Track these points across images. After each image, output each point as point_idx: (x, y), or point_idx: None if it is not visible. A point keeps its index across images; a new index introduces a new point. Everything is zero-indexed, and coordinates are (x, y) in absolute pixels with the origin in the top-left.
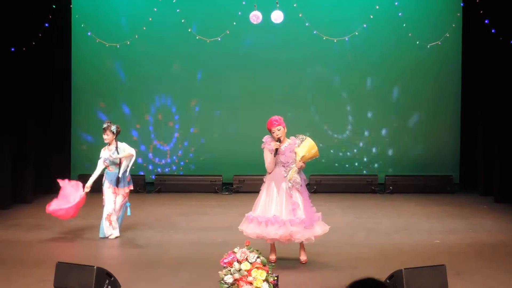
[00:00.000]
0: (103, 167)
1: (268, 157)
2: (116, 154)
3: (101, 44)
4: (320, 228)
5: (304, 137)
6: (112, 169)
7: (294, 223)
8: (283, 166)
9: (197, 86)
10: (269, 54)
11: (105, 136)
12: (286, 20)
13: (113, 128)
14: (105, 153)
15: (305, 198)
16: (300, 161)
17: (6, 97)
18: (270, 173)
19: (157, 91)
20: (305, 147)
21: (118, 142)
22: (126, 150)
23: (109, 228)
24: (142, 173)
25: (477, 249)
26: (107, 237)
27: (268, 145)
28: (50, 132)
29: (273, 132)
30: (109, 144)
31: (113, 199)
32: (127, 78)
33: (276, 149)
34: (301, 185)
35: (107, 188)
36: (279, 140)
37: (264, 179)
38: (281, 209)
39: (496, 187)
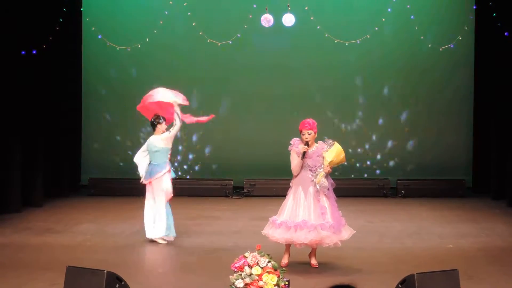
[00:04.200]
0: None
1: (294, 160)
2: (172, 131)
3: (112, 47)
4: (346, 233)
5: (333, 142)
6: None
7: (325, 227)
8: (310, 170)
9: (208, 89)
10: (280, 57)
11: (162, 126)
12: (298, 23)
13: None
14: (157, 141)
15: (332, 202)
16: (327, 166)
17: (16, 101)
18: (296, 176)
19: None
20: (333, 152)
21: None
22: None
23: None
24: None
25: (489, 254)
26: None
27: (296, 147)
28: (60, 136)
29: (303, 135)
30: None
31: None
32: (138, 81)
33: (304, 153)
34: (328, 189)
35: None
36: (307, 143)
37: (290, 183)
38: (309, 213)
39: (509, 191)
